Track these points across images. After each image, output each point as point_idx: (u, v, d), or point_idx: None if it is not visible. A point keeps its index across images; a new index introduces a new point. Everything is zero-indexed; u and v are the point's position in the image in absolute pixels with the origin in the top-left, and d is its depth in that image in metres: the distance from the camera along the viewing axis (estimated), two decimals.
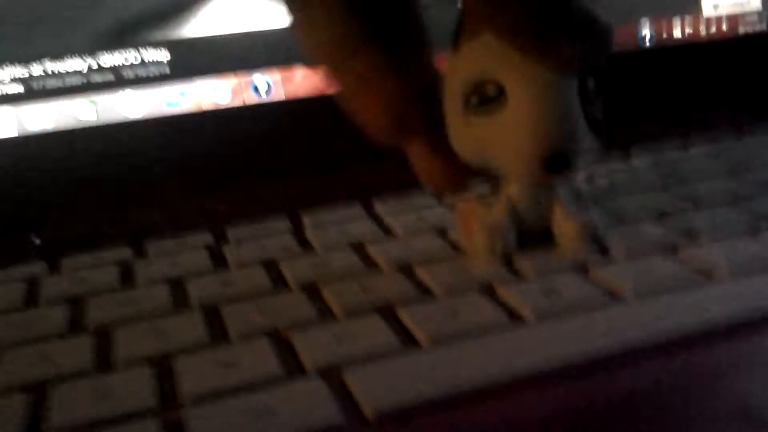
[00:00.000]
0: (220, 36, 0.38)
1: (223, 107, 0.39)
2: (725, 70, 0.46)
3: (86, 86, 0.38)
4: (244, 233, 0.33)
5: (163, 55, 0.38)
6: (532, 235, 0.27)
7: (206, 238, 0.33)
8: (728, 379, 0.19)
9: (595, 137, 0.25)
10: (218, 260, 0.30)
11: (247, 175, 0.38)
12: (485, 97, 0.24)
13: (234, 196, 0.37)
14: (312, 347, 0.22)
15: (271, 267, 0.29)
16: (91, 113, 0.38)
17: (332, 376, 0.21)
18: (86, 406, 0.20)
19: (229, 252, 0.31)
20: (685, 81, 0.45)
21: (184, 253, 0.31)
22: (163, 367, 0.22)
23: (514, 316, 0.23)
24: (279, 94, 0.39)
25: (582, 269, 0.26)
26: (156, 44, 0.38)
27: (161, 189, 0.38)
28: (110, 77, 0.38)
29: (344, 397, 0.20)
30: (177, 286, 0.28)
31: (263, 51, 0.39)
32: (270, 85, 0.39)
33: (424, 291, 0.26)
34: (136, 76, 0.38)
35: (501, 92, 0.24)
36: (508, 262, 0.27)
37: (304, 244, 0.31)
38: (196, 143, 0.38)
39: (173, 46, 0.38)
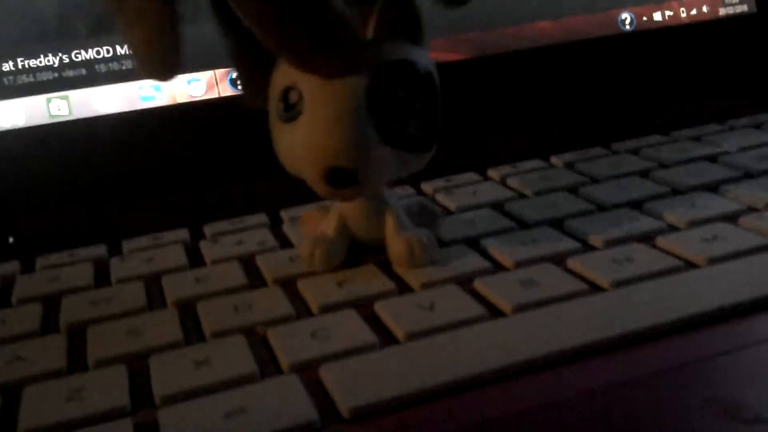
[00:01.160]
0: (195, 28, 0.38)
1: (198, 100, 0.38)
2: (707, 55, 0.46)
3: (59, 81, 0.37)
4: (221, 229, 0.32)
5: None
6: (373, 246, 0.26)
7: (182, 234, 0.32)
8: (706, 369, 0.19)
9: (406, 149, 0.24)
10: (194, 257, 0.30)
11: (224, 170, 0.38)
12: (289, 104, 0.24)
13: (211, 191, 0.37)
14: (288, 344, 0.22)
15: (247, 263, 0.29)
16: (64, 108, 0.37)
17: (308, 373, 0.21)
18: (59, 406, 0.20)
19: (206, 248, 0.30)
20: (664, 66, 0.45)
21: (159, 250, 0.31)
22: (137, 367, 0.22)
23: (493, 309, 0.23)
24: None
25: (560, 259, 0.26)
26: None
27: (137, 185, 0.37)
28: (83, 72, 0.37)
29: (320, 394, 0.20)
30: (152, 284, 0.28)
31: None
32: None
33: (402, 284, 0.25)
34: (110, 70, 0.37)
35: (301, 100, 0.23)
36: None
37: (282, 239, 0.31)
38: (172, 137, 0.38)
39: None
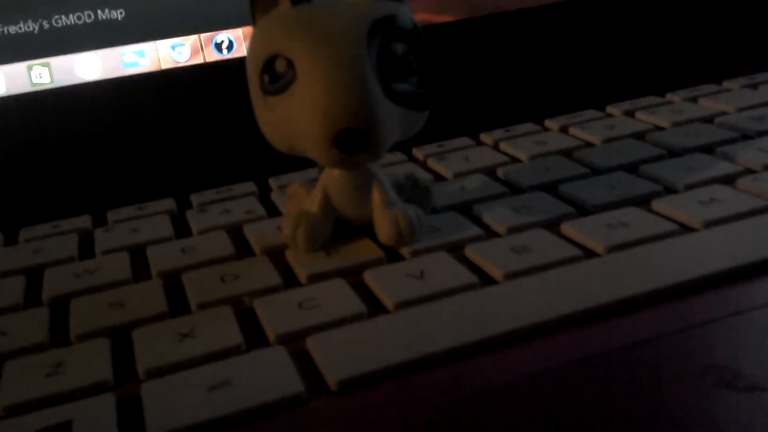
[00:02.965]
0: None
1: (183, 66, 0.37)
2: (703, 15, 0.45)
3: (39, 48, 0.36)
4: (208, 198, 0.32)
5: (118, 14, 0.36)
6: (359, 223, 0.25)
7: (169, 204, 0.32)
8: (702, 336, 0.19)
9: (409, 110, 0.23)
10: (181, 227, 0.29)
11: (211, 138, 0.37)
12: (275, 75, 0.22)
13: (197, 159, 0.36)
14: (275, 315, 0.21)
15: (235, 232, 0.28)
16: (45, 76, 0.36)
17: (295, 344, 0.20)
18: (39, 381, 0.20)
19: (192, 218, 0.30)
20: (659, 27, 0.44)
21: (145, 221, 0.30)
22: (120, 340, 0.21)
23: (485, 277, 0.23)
24: (242, 51, 0.38)
25: (554, 225, 0.25)
26: (111, 3, 0.36)
27: (121, 154, 0.36)
28: (64, 37, 0.36)
29: (307, 366, 0.19)
30: (137, 255, 0.27)
31: (223, 7, 0.37)
32: (232, 42, 0.38)
33: (392, 252, 0.25)
34: (92, 35, 0.36)
35: (291, 68, 0.22)
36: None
37: (270, 208, 0.30)
38: (157, 105, 0.37)
39: (129, 4, 0.36)
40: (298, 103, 0.22)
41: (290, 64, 0.22)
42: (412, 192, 0.26)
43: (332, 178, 0.25)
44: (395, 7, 0.23)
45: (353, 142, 0.22)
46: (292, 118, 0.22)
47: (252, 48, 0.23)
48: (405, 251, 0.24)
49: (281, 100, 0.22)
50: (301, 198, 0.27)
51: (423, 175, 0.27)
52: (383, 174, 0.25)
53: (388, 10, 0.23)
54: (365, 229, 0.26)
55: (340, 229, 0.26)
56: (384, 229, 0.25)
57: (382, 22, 0.22)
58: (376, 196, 0.25)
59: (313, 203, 0.25)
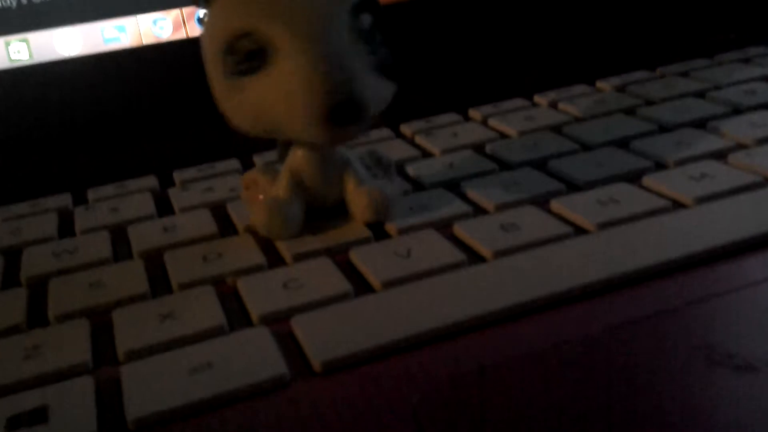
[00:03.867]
0: None
1: (165, 41, 0.36)
2: None
3: (18, 23, 0.35)
4: (191, 175, 0.31)
5: None
6: (328, 204, 0.25)
7: (151, 182, 0.31)
8: (694, 314, 0.19)
9: (385, 80, 0.22)
10: (163, 205, 0.29)
11: (194, 114, 0.36)
12: (245, 54, 0.21)
13: (180, 136, 0.35)
14: (258, 295, 0.21)
15: (218, 210, 0.27)
16: (24, 52, 0.35)
17: (279, 325, 0.20)
18: (16, 364, 0.19)
19: (175, 196, 0.29)
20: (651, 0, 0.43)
21: (126, 199, 0.29)
22: (100, 321, 0.21)
23: (473, 255, 0.22)
24: None
25: (543, 202, 0.25)
26: None
27: (102, 131, 0.35)
28: (42, 12, 0.35)
29: (291, 347, 0.19)
30: (118, 234, 0.27)
31: None
32: None
33: (379, 231, 0.24)
34: (71, 10, 0.35)
35: (262, 46, 0.21)
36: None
37: None
38: (138, 81, 0.36)
39: None
40: (277, 83, 0.21)
41: (261, 42, 0.21)
42: (376, 169, 0.26)
43: (301, 160, 0.24)
44: None
45: (347, 115, 0.21)
46: (268, 99, 0.21)
47: (212, 27, 0.22)
48: (392, 229, 0.24)
49: (253, 80, 0.21)
50: (262, 185, 0.25)
51: (383, 152, 0.27)
52: (351, 152, 0.25)
53: None
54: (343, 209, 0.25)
55: (314, 210, 0.25)
56: (361, 207, 0.24)
57: None
58: (349, 174, 0.24)
59: (281, 188, 0.24)
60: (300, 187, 0.24)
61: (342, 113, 0.21)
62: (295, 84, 0.21)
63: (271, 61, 0.21)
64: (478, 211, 0.25)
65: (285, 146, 0.25)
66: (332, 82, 0.21)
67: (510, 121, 0.32)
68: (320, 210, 0.25)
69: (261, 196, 0.25)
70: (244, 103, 0.22)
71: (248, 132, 0.23)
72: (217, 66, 0.22)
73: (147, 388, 0.18)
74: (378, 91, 0.22)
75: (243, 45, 0.21)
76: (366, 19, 0.22)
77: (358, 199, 0.24)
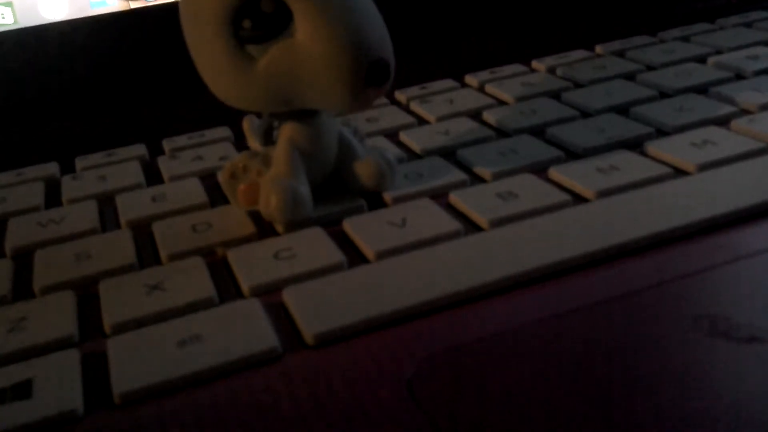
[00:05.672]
0: None
1: (153, 4, 0.35)
2: None
3: None
4: (180, 144, 0.30)
5: None
6: (324, 178, 0.23)
7: (139, 150, 0.30)
8: (697, 284, 0.18)
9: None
10: (152, 174, 0.28)
11: (184, 81, 0.35)
12: (262, 18, 0.20)
13: (170, 103, 0.34)
14: (249, 266, 0.20)
15: (208, 179, 0.27)
16: (9, 16, 0.34)
17: (270, 296, 0.19)
18: (1, 337, 0.19)
19: (164, 164, 0.28)
20: None
21: (115, 167, 0.29)
22: (86, 293, 0.20)
23: (469, 224, 0.22)
24: None
25: (541, 170, 0.24)
26: None
27: (90, 98, 0.35)
28: None
29: (282, 319, 0.18)
30: (106, 204, 0.26)
31: None
32: None
33: (373, 199, 0.24)
34: None
35: (281, 8, 0.20)
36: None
37: None
38: (127, 46, 0.35)
39: None
40: (303, 45, 0.20)
41: (282, 3, 0.20)
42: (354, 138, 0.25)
43: (299, 135, 0.22)
44: None
45: (383, 73, 0.20)
46: (293, 66, 0.20)
47: None
48: (387, 198, 0.23)
49: (272, 46, 0.20)
50: (255, 170, 0.23)
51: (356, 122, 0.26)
52: (336, 122, 0.24)
53: None
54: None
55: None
56: (368, 174, 0.23)
57: None
58: (350, 144, 0.23)
59: (282, 167, 0.22)
60: (300, 162, 0.23)
61: (379, 72, 0.20)
62: (328, 45, 0.20)
63: (291, 25, 0.20)
64: (475, 179, 0.24)
65: (270, 126, 0.23)
66: (370, 41, 0.20)
67: (507, 87, 0.32)
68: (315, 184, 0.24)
69: (261, 180, 0.23)
70: (257, 75, 0.20)
71: (256, 109, 0.22)
72: (218, 37, 0.20)
73: (134, 362, 0.17)
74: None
75: (260, 7, 0.20)
76: None
77: (366, 167, 0.23)
